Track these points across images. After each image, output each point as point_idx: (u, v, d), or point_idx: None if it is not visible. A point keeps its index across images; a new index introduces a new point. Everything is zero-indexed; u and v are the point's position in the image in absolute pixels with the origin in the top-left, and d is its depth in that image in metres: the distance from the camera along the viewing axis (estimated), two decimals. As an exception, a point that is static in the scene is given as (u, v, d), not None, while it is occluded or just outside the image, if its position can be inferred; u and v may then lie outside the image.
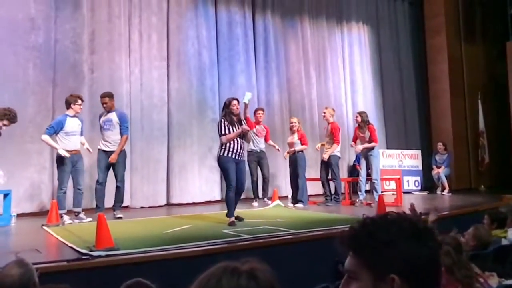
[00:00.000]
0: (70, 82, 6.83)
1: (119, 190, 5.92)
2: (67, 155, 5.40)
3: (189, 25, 8.04)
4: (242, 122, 5.34)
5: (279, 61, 9.06)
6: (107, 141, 5.82)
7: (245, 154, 5.33)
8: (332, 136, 7.20)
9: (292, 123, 7.40)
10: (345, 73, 10.10)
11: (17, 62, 6.41)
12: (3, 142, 5.45)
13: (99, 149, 5.87)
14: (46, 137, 5.47)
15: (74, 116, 5.64)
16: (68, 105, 5.61)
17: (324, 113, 7.44)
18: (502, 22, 10.47)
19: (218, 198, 8.04)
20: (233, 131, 5.16)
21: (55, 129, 5.50)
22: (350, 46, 10.23)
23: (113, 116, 5.82)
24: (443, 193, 8.82)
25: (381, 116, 10.42)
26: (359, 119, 7.27)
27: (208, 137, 8.04)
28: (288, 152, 7.34)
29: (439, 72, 10.46)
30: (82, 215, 5.62)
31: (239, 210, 5.57)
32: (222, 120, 5.24)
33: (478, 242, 3.34)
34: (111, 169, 5.85)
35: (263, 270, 0.88)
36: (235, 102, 5.27)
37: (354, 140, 7.50)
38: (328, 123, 7.34)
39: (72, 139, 5.59)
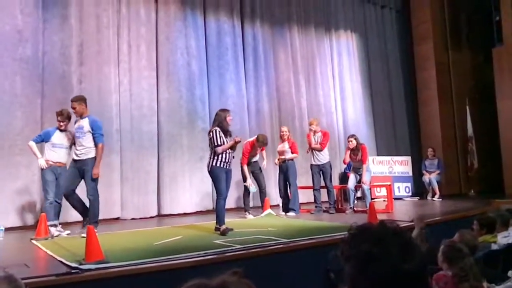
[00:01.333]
0: (59, 93, 6.78)
1: (91, 204, 5.42)
2: (44, 166, 5.38)
3: (177, 35, 8.05)
4: (231, 133, 5.49)
5: (268, 70, 9.10)
6: (76, 149, 5.43)
7: (231, 162, 5.41)
8: (322, 141, 7.26)
9: (282, 131, 7.42)
10: (335, 81, 10.17)
11: (4, 75, 6.35)
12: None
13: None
14: (32, 144, 5.47)
15: (62, 130, 5.59)
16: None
17: (310, 127, 7.43)
18: (488, 28, 10.63)
19: (209, 208, 8.01)
20: (226, 142, 5.26)
21: (42, 138, 5.51)
22: (339, 54, 10.31)
23: (85, 122, 5.45)
24: (433, 198, 8.87)
25: (371, 123, 10.49)
26: (354, 143, 7.30)
27: (198, 147, 8.01)
28: (278, 160, 7.34)
29: (427, 79, 10.59)
30: (59, 228, 5.51)
31: (229, 220, 5.55)
32: (217, 130, 5.29)
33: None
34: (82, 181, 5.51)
35: (235, 283, 0.84)
36: (231, 117, 5.46)
37: (346, 161, 7.59)
38: (316, 132, 7.36)
39: (58, 151, 5.52)
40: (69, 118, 5.63)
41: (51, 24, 6.85)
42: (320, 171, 7.27)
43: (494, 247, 3.75)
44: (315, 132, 7.37)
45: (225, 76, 8.51)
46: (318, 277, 4.02)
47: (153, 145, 7.62)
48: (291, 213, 6.98)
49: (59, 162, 5.54)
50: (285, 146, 7.28)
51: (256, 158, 7.36)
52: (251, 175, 7.20)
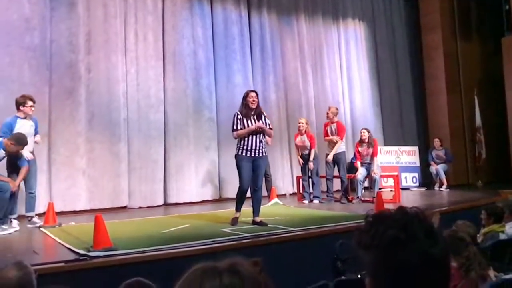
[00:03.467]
0: (66, 82, 6.81)
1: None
2: (31, 157, 5.20)
3: (184, 24, 8.02)
4: (263, 116, 5.02)
5: (275, 59, 9.05)
6: None
7: (264, 150, 4.99)
8: (338, 133, 7.27)
9: (300, 123, 7.41)
10: (342, 70, 10.09)
11: (12, 63, 6.37)
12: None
13: None
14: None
15: (25, 118, 5.38)
16: (17, 106, 5.33)
17: (328, 113, 7.43)
18: (497, 17, 10.47)
19: (215, 197, 8.05)
20: (248, 125, 4.85)
21: (7, 133, 5.15)
22: (347, 43, 10.22)
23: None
24: (441, 189, 8.84)
25: (378, 113, 10.43)
26: (367, 135, 7.28)
27: (204, 136, 8.03)
28: (301, 156, 7.41)
29: (435, 69, 10.48)
30: (35, 219, 5.43)
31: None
32: (236, 113, 4.94)
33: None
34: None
35: (243, 264, 0.83)
36: (252, 94, 4.95)
37: (359, 158, 7.44)
38: (333, 122, 7.35)
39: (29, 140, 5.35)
40: None
41: (59, 13, 6.85)
42: (334, 161, 7.29)
43: (502, 236, 3.74)
44: (331, 121, 7.35)
45: (232, 65, 8.48)
46: (325, 266, 4.03)
47: (160, 134, 7.64)
48: (315, 201, 7.20)
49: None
50: (305, 139, 7.30)
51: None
52: None
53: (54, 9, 6.82)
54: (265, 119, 5.01)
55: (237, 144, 4.91)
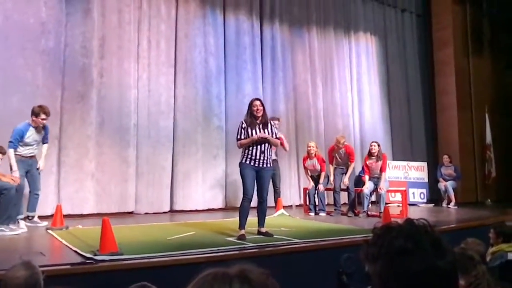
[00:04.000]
0: (79, 86, 6.88)
1: None
2: (17, 183, 5.14)
3: (197, 33, 8.09)
4: (269, 125, 4.88)
5: (286, 70, 9.09)
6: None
7: (269, 161, 4.86)
8: (349, 158, 7.34)
9: (309, 147, 7.50)
10: (352, 84, 10.10)
11: (26, 66, 6.47)
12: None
13: None
14: (11, 152, 5.29)
15: (36, 127, 5.51)
16: (32, 114, 5.44)
17: (337, 145, 7.36)
18: (510, 33, 10.45)
19: (221, 206, 8.04)
20: (252, 134, 4.73)
21: (17, 139, 5.32)
22: (358, 56, 10.24)
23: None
24: (449, 206, 8.76)
25: (388, 127, 10.40)
26: (377, 148, 7.26)
27: (213, 145, 8.05)
28: (312, 177, 7.49)
29: (446, 85, 10.45)
30: (36, 219, 5.57)
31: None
32: (241, 122, 4.85)
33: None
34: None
35: (253, 271, 0.84)
36: (256, 102, 4.83)
37: (367, 172, 7.40)
38: (340, 148, 7.37)
39: (29, 148, 5.51)
40: None
41: (74, 18, 6.95)
42: (343, 173, 7.33)
43: (510, 256, 3.70)
44: (338, 147, 7.39)
45: (242, 74, 8.53)
46: (330, 279, 4.01)
47: (169, 141, 7.67)
48: (322, 213, 7.24)
49: (30, 156, 5.57)
50: (315, 164, 7.42)
51: (274, 156, 7.37)
52: None
53: (70, 14, 6.93)
54: (271, 128, 4.87)
55: (242, 153, 4.84)
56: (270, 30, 9.02)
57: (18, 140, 5.33)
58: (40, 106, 5.50)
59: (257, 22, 8.89)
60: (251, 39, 8.72)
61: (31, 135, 5.48)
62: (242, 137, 4.75)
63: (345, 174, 7.33)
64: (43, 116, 5.46)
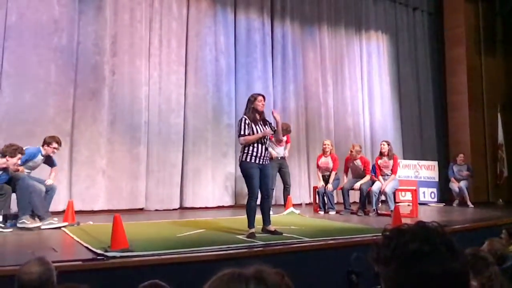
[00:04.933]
0: (91, 83, 6.95)
1: None
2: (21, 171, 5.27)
3: (207, 32, 8.11)
4: (267, 122, 4.84)
5: (296, 69, 9.07)
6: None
7: (268, 157, 4.79)
8: (365, 169, 7.37)
9: (325, 145, 7.52)
10: (363, 82, 10.05)
11: (39, 63, 6.55)
12: (24, 143, 5.53)
13: None
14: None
15: (44, 155, 5.56)
16: (44, 142, 5.52)
17: (351, 151, 7.46)
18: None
19: (231, 203, 8.07)
20: (256, 131, 4.62)
21: (27, 160, 5.39)
22: (369, 55, 10.19)
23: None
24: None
25: (398, 126, 10.34)
26: (387, 147, 7.22)
27: (222, 142, 8.07)
28: (323, 176, 7.48)
29: (458, 84, 10.36)
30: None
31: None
32: (244, 118, 4.65)
33: (494, 257, 3.29)
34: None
35: (269, 272, 0.85)
36: (261, 98, 4.72)
37: (379, 172, 7.32)
38: (355, 159, 7.41)
39: (28, 170, 5.52)
40: None
41: (86, 15, 7.01)
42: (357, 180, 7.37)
43: (522, 258, 3.66)
44: (354, 158, 7.44)
45: (253, 73, 8.53)
46: (339, 278, 4.00)
47: (179, 138, 7.71)
48: (332, 212, 7.21)
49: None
50: (329, 162, 7.42)
51: (287, 154, 7.39)
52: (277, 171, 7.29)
53: (82, 12, 6.99)
54: (270, 124, 4.83)
55: (244, 151, 4.63)
56: (281, 28, 9.01)
57: (24, 162, 5.34)
58: (51, 136, 5.56)
59: (268, 21, 8.88)
60: (261, 37, 8.71)
61: (37, 161, 5.55)
62: (247, 133, 4.60)
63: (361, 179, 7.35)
64: (55, 145, 5.51)
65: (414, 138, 10.54)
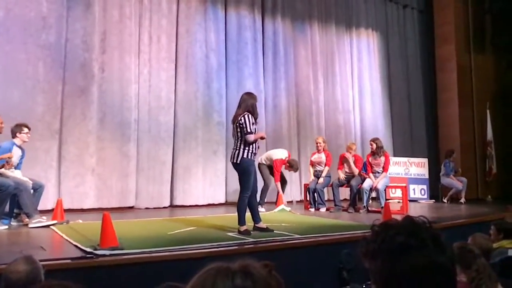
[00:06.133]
0: (80, 80, 6.88)
1: None
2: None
3: (197, 28, 8.07)
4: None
5: (287, 66, 9.07)
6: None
7: None
8: (356, 165, 7.45)
9: (318, 143, 7.58)
10: (353, 79, 10.08)
11: (27, 60, 6.46)
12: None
13: None
14: None
15: (20, 146, 5.37)
16: (13, 134, 5.30)
17: (350, 148, 7.56)
18: (512, 31, 10.42)
19: (221, 201, 8.05)
20: (256, 130, 4.68)
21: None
22: (359, 52, 10.22)
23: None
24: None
25: (389, 123, 10.40)
26: (374, 146, 7.31)
27: (213, 140, 8.04)
28: (315, 171, 7.54)
29: (448, 81, 10.43)
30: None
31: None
32: (248, 115, 4.59)
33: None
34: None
35: (255, 266, 0.86)
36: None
37: (370, 170, 7.39)
38: (351, 156, 7.51)
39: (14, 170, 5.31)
40: None
41: (75, 12, 6.93)
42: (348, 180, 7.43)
43: (511, 253, 3.69)
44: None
45: (244, 70, 8.51)
46: (330, 274, 4.01)
47: (169, 136, 7.67)
48: (322, 209, 7.25)
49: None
50: (322, 157, 7.48)
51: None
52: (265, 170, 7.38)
53: (71, 8, 6.91)
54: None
55: (245, 148, 4.60)
56: (272, 25, 8.99)
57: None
58: (17, 124, 5.36)
59: (258, 17, 8.86)
60: (252, 34, 8.69)
61: (17, 153, 5.29)
62: (254, 131, 4.62)
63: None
64: (25, 129, 5.35)
65: (404, 135, 10.60)
